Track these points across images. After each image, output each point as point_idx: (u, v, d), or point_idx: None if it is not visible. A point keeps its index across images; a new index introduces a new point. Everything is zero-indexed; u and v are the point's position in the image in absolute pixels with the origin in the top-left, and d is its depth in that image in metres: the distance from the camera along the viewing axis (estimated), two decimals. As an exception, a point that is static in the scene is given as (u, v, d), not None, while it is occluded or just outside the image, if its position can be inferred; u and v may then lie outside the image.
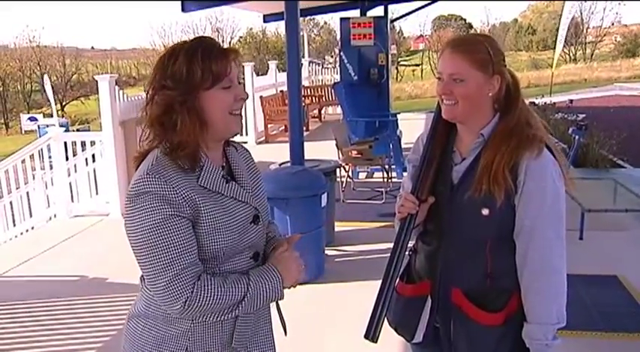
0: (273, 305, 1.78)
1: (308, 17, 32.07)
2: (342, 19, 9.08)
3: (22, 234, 7.32)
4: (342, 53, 8.95)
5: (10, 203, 7.45)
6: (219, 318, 1.57)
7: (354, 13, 9.64)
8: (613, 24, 44.46)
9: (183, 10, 8.00)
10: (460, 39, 1.86)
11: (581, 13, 40.12)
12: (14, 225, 7.47)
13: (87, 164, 7.45)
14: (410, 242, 1.93)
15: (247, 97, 1.64)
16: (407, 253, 2.03)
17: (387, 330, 2.03)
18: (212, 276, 1.55)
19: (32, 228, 7.41)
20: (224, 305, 1.53)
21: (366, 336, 1.84)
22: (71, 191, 7.43)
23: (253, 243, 1.66)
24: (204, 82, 1.54)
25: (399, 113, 9.46)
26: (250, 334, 1.68)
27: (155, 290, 1.53)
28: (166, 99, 1.53)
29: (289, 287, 1.67)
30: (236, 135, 1.67)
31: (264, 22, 10.70)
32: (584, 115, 12.03)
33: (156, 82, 1.56)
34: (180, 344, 1.59)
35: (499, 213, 1.77)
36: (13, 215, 7.48)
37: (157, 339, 1.60)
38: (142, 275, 1.67)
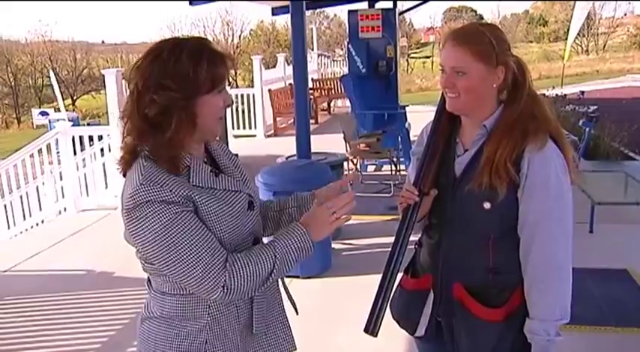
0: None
1: (318, 10, 31.97)
2: (350, 11, 9.01)
3: (32, 227, 7.37)
4: (350, 46, 8.89)
5: (20, 197, 7.49)
6: (260, 290, 1.57)
7: (363, 6, 9.58)
8: (626, 14, 44.05)
9: (190, 3, 8.00)
10: (462, 30, 1.81)
11: (594, 4, 39.69)
12: (24, 219, 7.51)
13: (95, 158, 7.47)
14: (415, 235, 1.91)
15: (232, 103, 1.63)
16: (413, 246, 2.01)
17: (392, 323, 2.02)
18: (236, 254, 1.53)
19: (42, 221, 7.46)
20: (260, 276, 1.52)
21: (366, 330, 1.83)
22: (80, 185, 7.46)
23: (253, 229, 1.66)
24: (205, 87, 1.51)
25: (407, 106, 9.39)
26: (266, 317, 1.70)
27: (190, 286, 1.51)
28: (167, 100, 1.49)
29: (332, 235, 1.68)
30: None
31: (273, 14, 10.63)
32: (595, 107, 11.90)
33: (152, 79, 1.50)
34: (199, 338, 1.60)
35: (501, 207, 1.74)
36: (23, 209, 7.52)
37: (175, 336, 1.61)
38: (149, 279, 1.68)
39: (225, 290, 1.48)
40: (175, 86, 1.48)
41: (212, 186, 1.58)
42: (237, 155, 1.86)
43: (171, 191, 1.48)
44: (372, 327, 1.82)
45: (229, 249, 1.57)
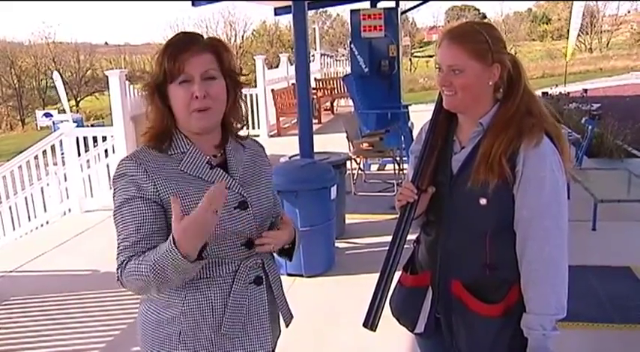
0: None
1: (320, 10, 31.98)
2: (352, 11, 9.02)
3: (37, 228, 7.41)
4: (352, 45, 8.91)
5: (25, 198, 7.53)
6: (157, 292, 1.61)
7: (365, 5, 9.59)
8: (629, 12, 43.89)
9: (193, 4, 8.01)
10: (458, 29, 1.83)
11: (597, 1, 39.62)
12: (29, 220, 7.55)
13: (99, 159, 7.50)
14: (413, 233, 1.93)
15: (203, 96, 1.60)
16: (411, 244, 2.03)
17: (392, 320, 2.03)
18: (137, 257, 1.55)
19: (47, 222, 7.49)
20: (141, 281, 1.53)
21: (365, 325, 1.86)
22: (84, 186, 7.49)
23: (239, 230, 1.67)
24: (165, 77, 1.62)
25: (410, 105, 9.41)
26: (242, 320, 1.68)
27: None
28: (144, 86, 1.68)
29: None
30: (205, 132, 1.67)
31: (275, 15, 10.64)
32: (598, 105, 11.90)
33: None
34: (174, 327, 1.66)
35: (497, 203, 1.76)
36: (27, 210, 7.56)
37: (156, 322, 1.68)
38: None
39: (120, 282, 1.59)
40: (147, 77, 1.67)
41: (200, 176, 1.64)
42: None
43: (145, 171, 1.60)
44: (370, 321, 1.85)
45: (207, 241, 1.57)
